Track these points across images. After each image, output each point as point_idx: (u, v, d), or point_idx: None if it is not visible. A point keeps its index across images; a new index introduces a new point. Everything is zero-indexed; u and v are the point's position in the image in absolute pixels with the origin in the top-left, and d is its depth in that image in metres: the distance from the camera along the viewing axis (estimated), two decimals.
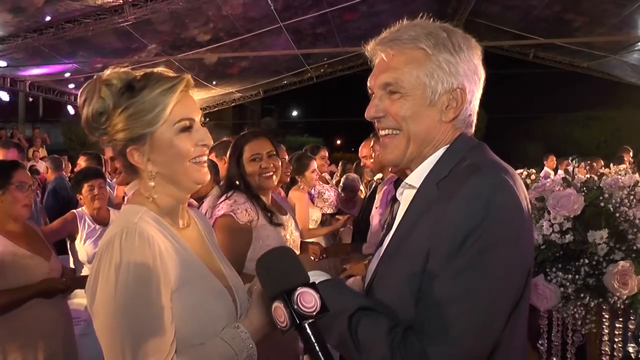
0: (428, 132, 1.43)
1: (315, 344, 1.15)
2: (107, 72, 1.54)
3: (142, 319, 1.39)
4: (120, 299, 1.38)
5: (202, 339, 1.48)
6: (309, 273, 1.38)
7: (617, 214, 2.15)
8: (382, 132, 1.50)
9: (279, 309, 1.18)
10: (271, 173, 3.03)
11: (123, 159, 1.55)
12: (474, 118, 1.48)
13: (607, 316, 2.19)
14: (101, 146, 1.66)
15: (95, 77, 1.54)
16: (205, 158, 1.58)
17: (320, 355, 1.14)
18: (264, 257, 1.28)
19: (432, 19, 1.49)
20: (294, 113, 41.79)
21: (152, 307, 1.40)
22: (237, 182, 3.00)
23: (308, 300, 1.17)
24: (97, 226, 4.18)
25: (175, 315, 1.45)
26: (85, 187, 4.20)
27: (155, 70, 1.56)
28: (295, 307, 1.16)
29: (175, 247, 1.51)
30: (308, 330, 1.16)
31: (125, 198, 3.15)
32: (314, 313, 1.16)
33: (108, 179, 5.85)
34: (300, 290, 1.18)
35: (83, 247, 4.12)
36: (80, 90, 1.55)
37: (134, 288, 1.38)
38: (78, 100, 1.56)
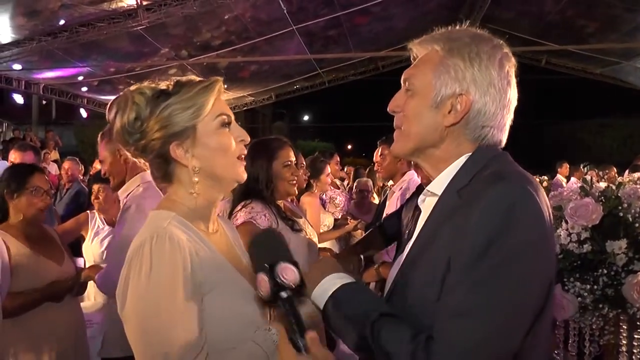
0: (427, 134, 1.45)
1: (290, 315, 1.30)
2: (133, 87, 1.56)
3: (173, 325, 1.39)
4: (151, 305, 1.38)
5: (233, 342, 1.48)
6: (333, 275, 1.44)
7: (637, 224, 2.12)
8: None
9: (263, 280, 1.33)
10: (296, 181, 3.08)
11: (159, 160, 1.56)
12: (495, 134, 1.44)
13: (625, 327, 2.17)
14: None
15: (124, 91, 1.56)
16: (244, 156, 1.60)
17: (294, 325, 1.29)
18: (256, 237, 1.46)
19: (477, 26, 1.52)
20: (305, 118, 41.90)
21: (182, 312, 1.40)
22: (259, 186, 2.97)
23: (289, 273, 1.32)
24: (106, 227, 4.24)
25: (206, 318, 1.45)
26: (93, 190, 4.31)
27: (184, 77, 1.59)
28: (277, 278, 1.31)
29: (205, 251, 1.51)
30: (285, 300, 1.31)
31: (122, 201, 3.09)
32: (294, 286, 1.32)
33: None
34: (283, 265, 1.33)
35: (90, 246, 4.16)
36: (109, 104, 1.57)
37: (164, 294, 1.39)
38: (107, 114, 1.57)
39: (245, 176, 1.60)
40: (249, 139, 1.61)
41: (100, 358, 3.29)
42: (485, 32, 1.50)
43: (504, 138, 1.48)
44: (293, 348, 1.28)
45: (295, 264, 1.36)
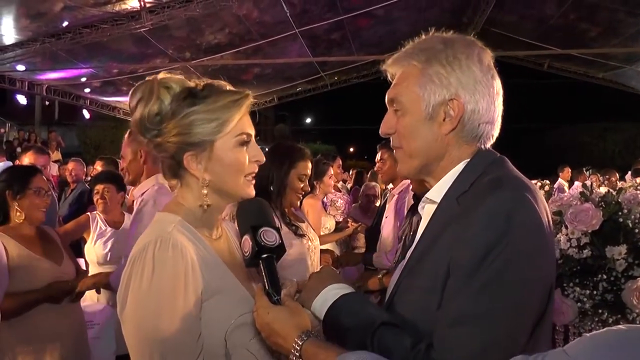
0: (429, 147, 1.44)
1: (268, 275, 1.43)
2: (161, 75, 1.53)
3: (172, 330, 1.39)
4: (151, 309, 1.39)
5: (228, 348, 1.48)
6: (333, 285, 1.46)
7: (637, 230, 2.13)
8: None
9: (247, 241, 1.46)
10: (302, 195, 3.16)
11: (172, 161, 1.54)
12: (489, 129, 1.45)
13: None
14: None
15: (150, 78, 1.53)
16: (254, 174, 1.59)
17: (267, 284, 1.42)
18: (244, 203, 1.58)
19: (444, 31, 1.51)
20: (308, 120, 41.91)
21: (182, 318, 1.41)
22: (270, 189, 3.00)
23: (270, 236, 1.46)
24: (109, 228, 4.24)
25: (204, 325, 1.46)
26: (94, 191, 4.32)
27: (215, 82, 1.56)
28: (258, 239, 1.43)
29: (207, 258, 1.51)
30: (264, 260, 1.44)
31: (137, 200, 3.16)
32: (274, 246, 1.45)
33: None
34: (265, 228, 1.47)
35: (93, 248, 4.16)
36: (133, 90, 1.53)
37: (164, 299, 1.39)
38: (130, 99, 1.53)
39: (253, 193, 1.59)
40: (264, 160, 1.60)
41: (115, 356, 3.33)
42: (473, 36, 1.49)
43: (496, 132, 1.48)
44: (268, 300, 1.40)
45: (277, 229, 1.49)
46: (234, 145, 1.51)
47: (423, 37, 1.50)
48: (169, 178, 1.60)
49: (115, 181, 4.34)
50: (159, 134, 1.51)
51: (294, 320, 1.36)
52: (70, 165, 7.50)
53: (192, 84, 1.54)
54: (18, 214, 3.04)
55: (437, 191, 1.46)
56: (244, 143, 1.53)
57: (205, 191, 1.52)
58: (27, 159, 5.15)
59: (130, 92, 1.55)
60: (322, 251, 3.90)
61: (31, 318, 2.93)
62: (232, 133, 1.50)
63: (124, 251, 3.70)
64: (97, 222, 4.26)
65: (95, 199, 4.32)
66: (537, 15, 13.69)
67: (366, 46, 15.43)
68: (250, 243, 1.44)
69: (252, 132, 1.56)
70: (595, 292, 2.13)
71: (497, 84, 1.45)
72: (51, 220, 4.26)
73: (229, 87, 1.56)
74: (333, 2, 12.12)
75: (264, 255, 1.44)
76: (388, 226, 4.26)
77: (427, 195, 1.49)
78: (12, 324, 2.84)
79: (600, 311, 2.13)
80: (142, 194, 3.10)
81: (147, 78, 1.54)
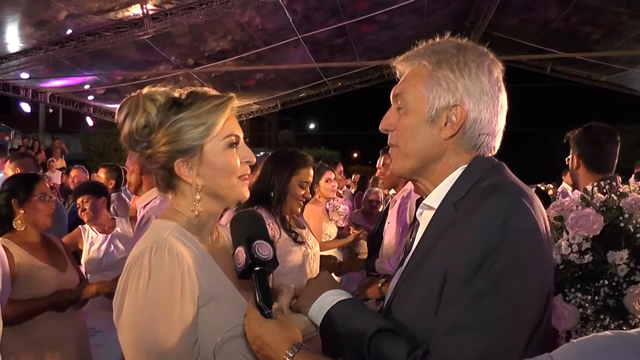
0: (426, 149, 1.43)
1: (260, 288, 1.41)
2: (146, 90, 1.56)
3: (169, 336, 1.40)
4: (147, 315, 1.39)
5: (226, 355, 1.48)
6: (330, 291, 1.45)
7: (638, 235, 2.12)
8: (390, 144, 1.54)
9: (240, 253, 1.44)
10: (303, 202, 3.17)
11: (164, 171, 1.56)
12: (489, 141, 1.44)
13: None
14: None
15: (134, 93, 1.56)
16: (248, 176, 1.60)
17: (258, 297, 1.40)
18: (238, 214, 1.57)
19: (459, 36, 1.51)
20: (311, 126, 41.91)
21: (178, 324, 1.41)
22: (271, 195, 3.01)
23: (264, 249, 1.44)
24: (100, 235, 4.25)
25: (200, 331, 1.46)
26: (78, 204, 4.32)
27: (199, 89, 1.58)
28: (253, 252, 1.42)
29: (203, 264, 1.51)
30: (257, 273, 1.42)
31: (139, 211, 3.18)
32: (267, 260, 1.43)
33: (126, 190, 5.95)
34: (260, 241, 1.45)
35: (87, 257, 4.18)
36: (119, 106, 1.56)
37: (161, 305, 1.39)
38: (117, 116, 1.56)
39: (247, 195, 1.60)
40: (255, 160, 1.61)
41: None
42: (477, 42, 1.50)
43: (497, 145, 1.48)
44: (259, 313, 1.39)
45: (271, 242, 1.48)
46: (223, 147, 1.53)
47: (437, 39, 1.50)
48: (163, 189, 1.61)
49: (90, 190, 4.34)
50: (149, 146, 1.53)
51: (285, 334, 1.36)
52: (73, 173, 7.51)
53: (176, 94, 1.56)
54: (23, 222, 3.07)
55: (435, 197, 1.45)
56: (233, 145, 1.54)
57: (198, 196, 1.53)
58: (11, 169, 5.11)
59: (117, 109, 1.58)
60: (326, 257, 3.89)
61: (34, 324, 2.95)
62: (219, 136, 1.52)
63: (119, 255, 3.82)
64: (89, 233, 4.25)
65: (79, 213, 4.31)
66: (539, 18, 13.68)
67: (369, 51, 15.45)
68: (244, 255, 1.43)
69: (240, 133, 1.57)
70: (596, 298, 2.12)
71: (503, 98, 1.45)
72: (60, 228, 4.27)
73: (212, 92, 1.58)
74: (336, 8, 12.13)
75: (257, 268, 1.43)
76: (390, 232, 4.25)
77: (425, 201, 1.49)
78: (15, 330, 2.85)
79: (602, 317, 2.12)
80: (145, 206, 3.12)
81: (132, 94, 1.56)
